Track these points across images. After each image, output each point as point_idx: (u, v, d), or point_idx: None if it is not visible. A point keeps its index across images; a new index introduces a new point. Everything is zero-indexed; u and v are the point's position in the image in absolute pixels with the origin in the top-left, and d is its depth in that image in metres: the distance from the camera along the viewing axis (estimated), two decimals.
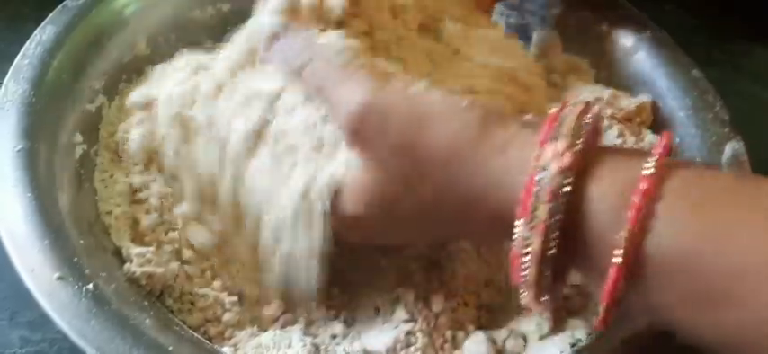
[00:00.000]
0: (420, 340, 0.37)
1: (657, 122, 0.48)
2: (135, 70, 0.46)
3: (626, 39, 0.51)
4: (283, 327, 0.38)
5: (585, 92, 0.50)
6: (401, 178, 0.33)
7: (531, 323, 0.37)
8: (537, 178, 0.28)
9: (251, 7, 0.41)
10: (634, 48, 0.51)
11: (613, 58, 0.52)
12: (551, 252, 0.28)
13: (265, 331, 0.38)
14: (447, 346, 0.38)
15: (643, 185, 0.26)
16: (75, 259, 0.35)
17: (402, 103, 0.33)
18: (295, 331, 0.38)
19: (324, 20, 0.38)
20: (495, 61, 0.41)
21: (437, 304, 0.38)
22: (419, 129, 0.32)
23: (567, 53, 0.53)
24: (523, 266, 0.29)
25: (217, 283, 0.39)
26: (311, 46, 0.36)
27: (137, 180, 0.41)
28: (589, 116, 0.30)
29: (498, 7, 0.52)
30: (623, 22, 0.52)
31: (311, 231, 0.35)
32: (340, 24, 0.38)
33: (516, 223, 0.29)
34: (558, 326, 0.37)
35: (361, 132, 0.33)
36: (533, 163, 0.29)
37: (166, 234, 0.39)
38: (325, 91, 0.35)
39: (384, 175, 0.33)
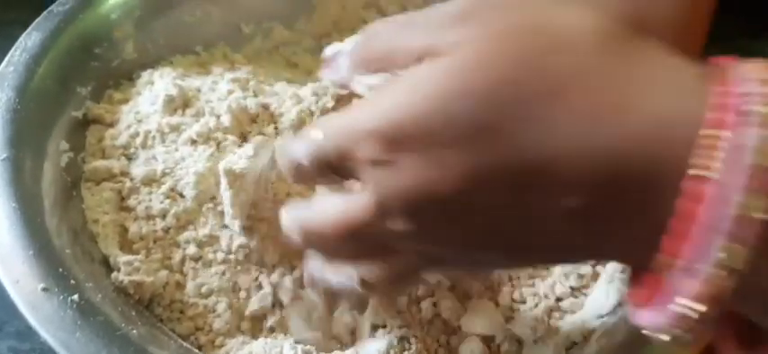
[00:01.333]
0: (414, 345, 0.36)
1: None
2: (122, 75, 0.46)
3: None
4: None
5: None
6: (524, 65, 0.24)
7: (526, 327, 0.37)
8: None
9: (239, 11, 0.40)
10: None
11: None
12: None
13: (256, 338, 0.37)
14: (441, 350, 0.37)
15: None
16: (61, 269, 0.35)
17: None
18: (287, 339, 0.37)
19: None
20: None
21: (430, 308, 0.38)
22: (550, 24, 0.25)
23: None
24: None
25: (205, 288, 0.38)
26: None
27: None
28: None
29: None
30: None
31: None
32: None
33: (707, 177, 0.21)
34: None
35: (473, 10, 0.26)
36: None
37: (155, 241, 0.39)
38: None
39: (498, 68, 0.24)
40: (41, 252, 0.35)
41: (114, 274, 0.37)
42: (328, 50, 0.31)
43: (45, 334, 0.32)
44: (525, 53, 0.24)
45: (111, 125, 0.43)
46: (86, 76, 0.44)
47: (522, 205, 0.24)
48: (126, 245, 0.39)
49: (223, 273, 0.38)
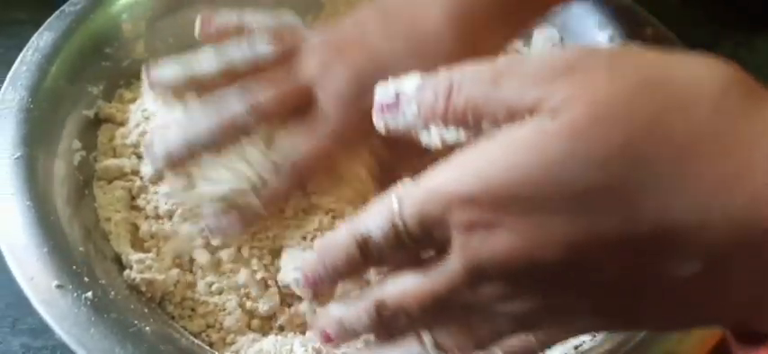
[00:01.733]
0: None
1: None
2: (133, 75, 0.46)
3: (627, 36, 0.51)
4: None
5: None
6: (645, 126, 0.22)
7: None
8: None
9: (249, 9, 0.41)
10: (635, 45, 0.51)
11: None
12: None
13: (266, 336, 0.37)
14: None
15: None
16: (75, 266, 0.35)
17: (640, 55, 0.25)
18: (297, 337, 0.37)
19: None
20: None
21: None
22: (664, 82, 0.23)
23: None
24: None
25: (216, 287, 0.38)
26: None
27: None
28: None
29: None
30: (625, 17, 0.51)
31: None
32: None
33: None
34: None
35: (576, 65, 0.24)
36: None
37: (165, 240, 0.39)
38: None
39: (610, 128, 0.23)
40: (55, 250, 0.35)
41: (126, 272, 0.37)
42: (381, 91, 0.28)
43: (59, 331, 0.32)
44: (645, 114, 0.23)
45: (122, 124, 0.43)
46: (98, 76, 0.44)
47: (634, 272, 0.23)
48: (137, 243, 0.39)
49: (233, 272, 0.38)
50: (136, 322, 0.34)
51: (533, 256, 0.24)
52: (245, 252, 0.39)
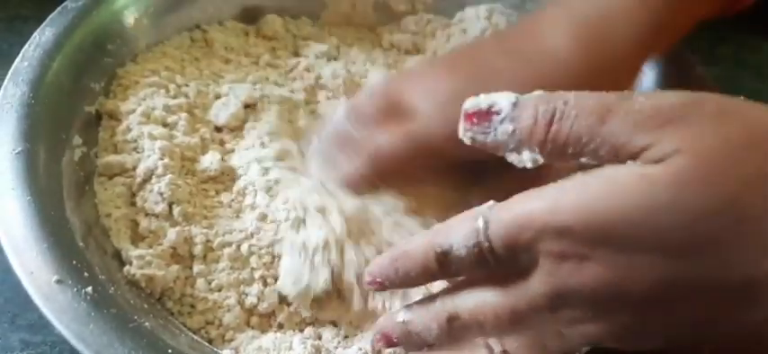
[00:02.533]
0: None
1: None
2: (135, 71, 0.46)
3: None
4: None
5: None
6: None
7: None
8: None
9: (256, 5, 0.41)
10: None
11: None
12: None
13: (265, 333, 0.37)
14: None
15: None
16: (75, 262, 0.35)
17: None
18: (296, 334, 0.37)
19: None
20: None
21: None
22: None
23: None
24: None
25: (215, 283, 0.38)
26: None
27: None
28: None
29: (498, 7, 0.52)
30: None
31: None
32: None
33: None
34: None
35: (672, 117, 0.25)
36: None
37: (166, 235, 0.39)
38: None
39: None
40: (55, 245, 0.35)
41: (126, 268, 0.37)
42: (472, 102, 0.28)
43: (59, 326, 0.32)
44: (751, 170, 0.24)
45: (123, 120, 0.43)
46: (99, 72, 0.44)
47: (716, 312, 0.25)
48: (137, 239, 0.39)
49: (232, 269, 0.38)
50: (135, 317, 0.34)
51: (621, 290, 0.25)
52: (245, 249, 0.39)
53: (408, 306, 0.31)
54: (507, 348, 0.29)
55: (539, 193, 0.26)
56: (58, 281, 0.34)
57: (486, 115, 0.28)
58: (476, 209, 0.28)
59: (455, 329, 0.29)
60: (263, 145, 0.43)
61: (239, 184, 0.42)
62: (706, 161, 0.24)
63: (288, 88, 0.48)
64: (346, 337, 0.38)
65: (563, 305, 0.26)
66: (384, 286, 0.31)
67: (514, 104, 0.27)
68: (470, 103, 0.28)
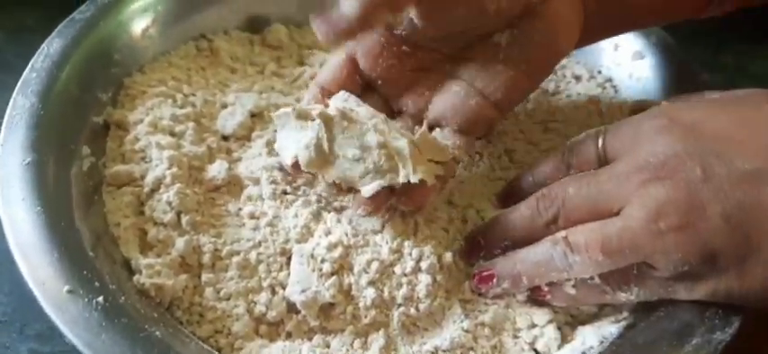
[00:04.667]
0: None
1: None
2: (142, 81, 0.46)
3: (633, 44, 0.51)
4: None
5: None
6: None
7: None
8: None
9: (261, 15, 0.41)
10: (641, 54, 0.51)
11: (620, 63, 0.52)
12: None
13: (274, 342, 0.38)
14: None
15: None
16: (85, 271, 0.35)
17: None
18: (304, 343, 0.37)
19: None
20: None
21: None
22: None
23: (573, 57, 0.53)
24: None
25: (224, 292, 0.38)
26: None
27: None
28: None
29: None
30: None
31: None
32: None
33: None
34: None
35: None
36: None
37: (174, 244, 0.39)
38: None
39: None
40: (66, 255, 0.35)
41: (136, 277, 0.37)
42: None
43: (70, 336, 0.32)
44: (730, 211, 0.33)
45: (131, 130, 0.43)
46: (107, 82, 0.45)
47: None
48: (146, 248, 0.39)
49: (240, 277, 0.39)
50: (146, 326, 0.34)
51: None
52: (253, 257, 0.39)
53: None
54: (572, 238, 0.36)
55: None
56: (70, 291, 0.34)
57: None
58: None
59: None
60: (269, 153, 0.43)
61: (246, 193, 0.42)
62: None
63: (293, 97, 0.48)
64: (354, 346, 0.38)
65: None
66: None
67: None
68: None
